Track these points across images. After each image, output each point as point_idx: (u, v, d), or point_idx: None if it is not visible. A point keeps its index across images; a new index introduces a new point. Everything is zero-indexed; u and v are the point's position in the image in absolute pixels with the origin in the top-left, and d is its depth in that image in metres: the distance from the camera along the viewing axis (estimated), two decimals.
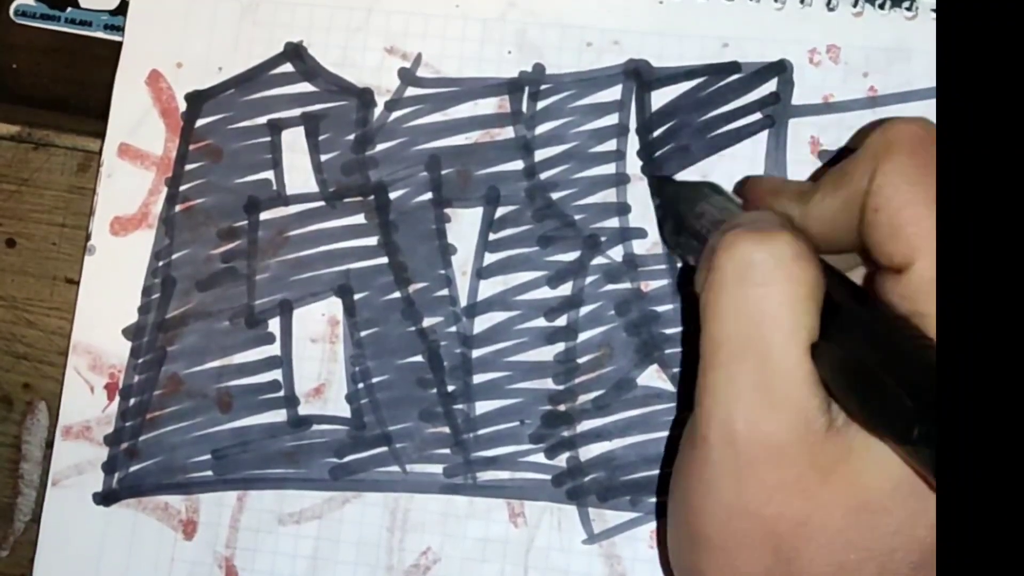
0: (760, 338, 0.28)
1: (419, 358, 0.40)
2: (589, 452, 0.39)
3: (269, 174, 0.42)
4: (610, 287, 0.39)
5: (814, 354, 0.28)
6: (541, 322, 0.40)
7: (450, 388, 0.40)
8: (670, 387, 0.39)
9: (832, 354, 0.28)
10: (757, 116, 0.40)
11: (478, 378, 0.40)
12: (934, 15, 0.39)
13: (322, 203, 0.41)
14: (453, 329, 0.40)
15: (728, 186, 0.38)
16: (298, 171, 0.42)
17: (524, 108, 0.41)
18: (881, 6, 0.39)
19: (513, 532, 0.39)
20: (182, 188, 0.42)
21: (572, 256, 0.40)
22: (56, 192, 0.43)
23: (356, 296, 0.41)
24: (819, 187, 0.31)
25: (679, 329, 0.39)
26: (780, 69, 0.40)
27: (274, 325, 0.41)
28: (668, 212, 0.38)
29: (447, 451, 0.39)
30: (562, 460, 0.39)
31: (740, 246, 0.29)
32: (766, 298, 0.28)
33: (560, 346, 0.39)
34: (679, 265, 0.39)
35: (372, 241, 0.41)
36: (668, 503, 0.32)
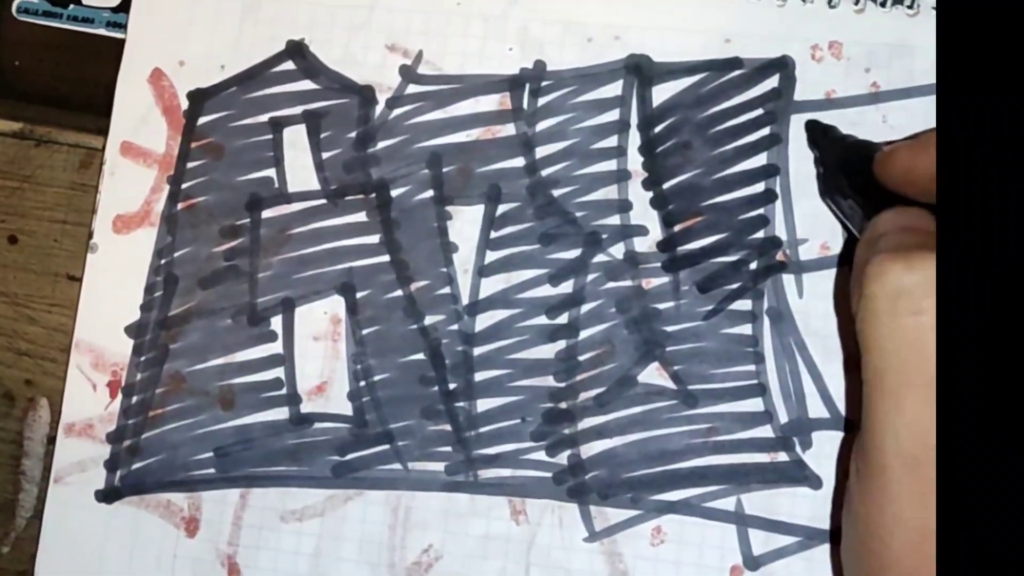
0: (923, 364, 0.28)
1: (421, 356, 0.40)
2: (590, 449, 0.39)
3: (271, 172, 0.42)
4: (611, 284, 0.39)
5: None
6: (542, 320, 0.40)
7: (452, 386, 0.40)
8: (671, 384, 0.39)
9: None
10: (759, 112, 0.40)
11: (479, 376, 0.40)
12: (935, 11, 0.39)
13: (324, 201, 0.41)
14: (455, 327, 0.40)
15: None
16: (300, 169, 0.42)
17: (525, 105, 0.41)
18: (882, 3, 0.39)
19: (515, 530, 0.39)
20: (184, 186, 0.42)
21: (573, 254, 0.40)
22: (58, 189, 0.43)
23: (358, 294, 0.41)
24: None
25: (680, 326, 0.39)
26: (782, 65, 0.40)
27: (276, 323, 0.41)
28: (830, 167, 0.37)
29: (449, 449, 0.39)
30: (563, 458, 0.39)
31: (889, 274, 0.29)
32: (922, 326, 0.28)
33: (561, 343, 0.39)
34: (684, 275, 0.39)
35: (374, 239, 0.41)
36: (844, 533, 0.32)
